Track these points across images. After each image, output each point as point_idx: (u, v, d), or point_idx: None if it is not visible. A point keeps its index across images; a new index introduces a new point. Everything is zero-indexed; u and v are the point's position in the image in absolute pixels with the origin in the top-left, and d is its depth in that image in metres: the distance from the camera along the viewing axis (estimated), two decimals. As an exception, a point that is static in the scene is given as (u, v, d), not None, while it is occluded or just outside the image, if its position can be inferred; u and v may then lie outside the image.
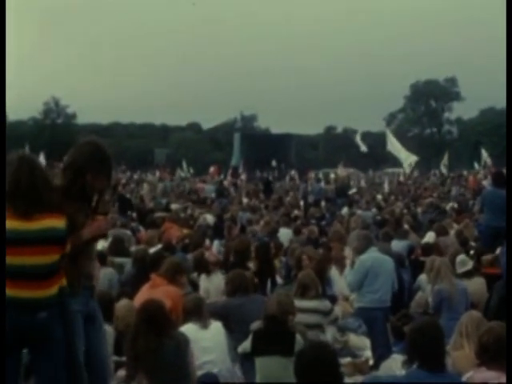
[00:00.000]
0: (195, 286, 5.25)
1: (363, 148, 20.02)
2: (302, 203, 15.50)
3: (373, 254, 4.92)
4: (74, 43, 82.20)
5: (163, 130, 73.39)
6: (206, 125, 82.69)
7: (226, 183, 22.23)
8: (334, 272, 5.69)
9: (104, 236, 2.73)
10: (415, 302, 5.38)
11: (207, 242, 7.75)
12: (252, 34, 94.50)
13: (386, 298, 4.81)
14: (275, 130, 79.90)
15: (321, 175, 18.51)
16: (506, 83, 4.88)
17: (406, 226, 8.52)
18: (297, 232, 8.54)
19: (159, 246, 6.42)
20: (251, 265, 5.60)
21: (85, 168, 2.44)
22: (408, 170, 18.65)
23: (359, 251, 4.96)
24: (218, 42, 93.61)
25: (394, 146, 17.25)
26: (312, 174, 26.76)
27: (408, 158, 17.62)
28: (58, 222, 2.23)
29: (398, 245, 7.12)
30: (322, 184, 17.36)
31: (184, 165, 34.60)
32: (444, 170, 25.16)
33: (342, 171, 25.01)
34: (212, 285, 5.04)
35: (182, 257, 6.17)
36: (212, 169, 30.69)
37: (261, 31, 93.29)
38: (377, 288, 4.76)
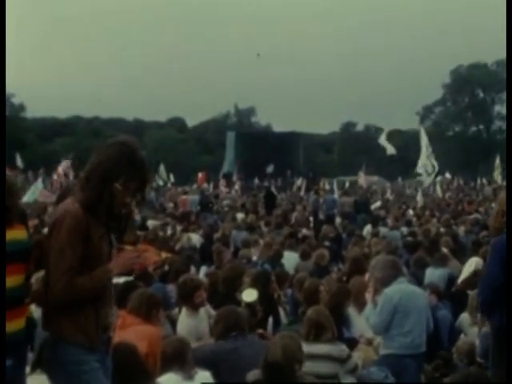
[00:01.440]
0: (176, 326, 5.24)
1: (390, 150, 19.96)
2: (311, 220, 15.54)
3: (401, 287, 4.89)
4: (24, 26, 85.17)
5: (136, 127, 73.52)
6: (192, 121, 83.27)
7: (211, 193, 22.32)
8: (351, 310, 5.60)
9: (132, 273, 2.66)
10: (457, 347, 5.26)
11: (192, 268, 7.79)
12: (249, 13, 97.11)
13: (419, 342, 4.73)
14: (278, 127, 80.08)
15: (335, 185, 18.58)
16: (506, 84, 5.32)
17: (444, 250, 8.51)
18: (305, 256, 8.54)
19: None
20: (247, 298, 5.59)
21: (114, 175, 2.38)
22: (427, 183, 17.90)
23: (384, 283, 4.91)
24: (207, 22, 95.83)
25: (423, 149, 16.82)
26: (325, 184, 26.93)
27: (428, 168, 16.83)
28: (19, 233, 2.26)
29: (434, 274, 7.10)
30: (336, 195, 17.41)
31: (162, 171, 34.68)
32: (498, 178, 24.29)
33: (362, 180, 25.12)
34: (199, 323, 5.02)
35: (161, 288, 6.18)
36: (199, 176, 30.80)
37: (260, 9, 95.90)
38: (407, 330, 4.71)
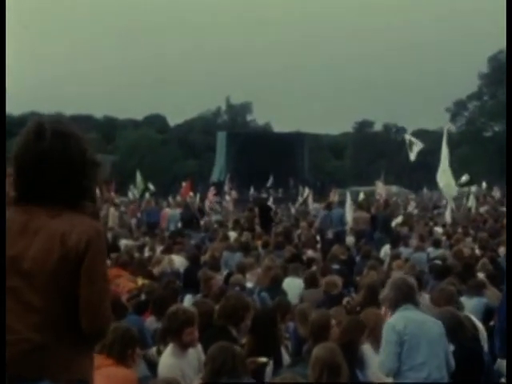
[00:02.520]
0: (154, 367, 5.24)
1: (414, 154, 19.99)
2: (319, 239, 15.58)
3: (406, 314, 4.91)
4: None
5: (107, 126, 73.55)
6: (175, 119, 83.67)
7: (197, 206, 22.39)
8: (366, 347, 5.46)
9: None
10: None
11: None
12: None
13: (438, 377, 4.65)
14: (279, 126, 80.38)
15: (348, 196, 18.62)
16: (506, 84, 5.35)
17: (480, 276, 8.52)
18: (311, 283, 8.58)
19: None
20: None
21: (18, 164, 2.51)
22: (450, 202, 17.56)
23: (392, 305, 5.01)
24: (194, 3, 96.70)
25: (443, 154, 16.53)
26: (336, 195, 26.92)
27: (446, 181, 16.53)
28: None
29: (468, 304, 7.10)
30: (348, 209, 17.46)
31: (139, 179, 34.70)
32: None
33: (381, 190, 25.15)
34: (186, 365, 5.01)
35: (137, 322, 6.21)
36: (183, 186, 30.76)
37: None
38: (420, 362, 4.67)
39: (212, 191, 23.04)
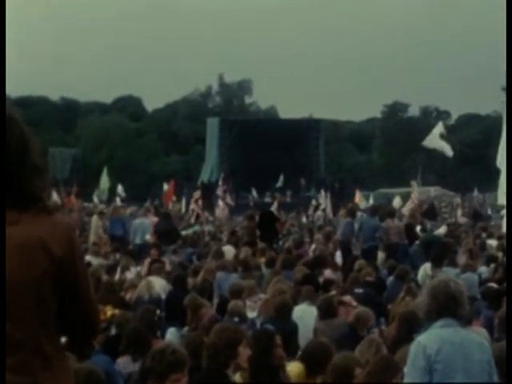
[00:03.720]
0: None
1: (447, 151, 20.12)
2: (339, 255, 15.60)
3: (442, 333, 4.88)
4: None
5: (66, 112, 73.37)
6: (153, 102, 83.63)
7: (178, 214, 22.40)
8: None
9: None
10: None
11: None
12: None
13: None
14: (287, 111, 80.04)
15: (371, 200, 18.68)
16: (506, 83, 5.48)
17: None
18: (329, 313, 8.60)
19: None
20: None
21: None
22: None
23: (428, 319, 4.98)
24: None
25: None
26: (360, 199, 27.06)
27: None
28: None
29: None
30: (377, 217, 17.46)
31: (104, 179, 34.77)
32: None
33: (417, 192, 25.11)
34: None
35: (105, 363, 6.22)
36: (166, 189, 30.81)
37: None
38: None
39: (197, 195, 22.76)
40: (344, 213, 18.98)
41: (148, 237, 18.03)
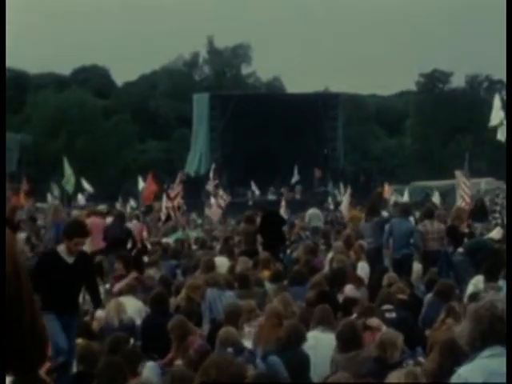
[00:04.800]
0: None
1: (503, 132, 20.18)
2: (363, 267, 15.60)
3: (489, 363, 4.85)
4: None
5: (11, 85, 72.92)
6: (124, 74, 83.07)
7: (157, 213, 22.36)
8: None
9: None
10: None
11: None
12: None
13: None
14: (295, 84, 79.61)
15: (407, 195, 18.66)
16: (506, 83, 5.61)
17: None
18: (351, 342, 8.56)
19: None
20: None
21: None
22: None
23: (471, 348, 4.99)
24: None
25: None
26: (391, 195, 27.01)
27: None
28: None
29: None
30: (413, 219, 17.45)
31: (68, 172, 34.75)
32: None
33: (464, 185, 25.09)
34: None
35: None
36: (142, 184, 30.74)
37: None
38: None
39: (175, 190, 22.60)
40: (366, 212, 18.89)
41: (129, 246, 18.11)
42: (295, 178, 43.66)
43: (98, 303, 10.27)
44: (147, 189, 29.14)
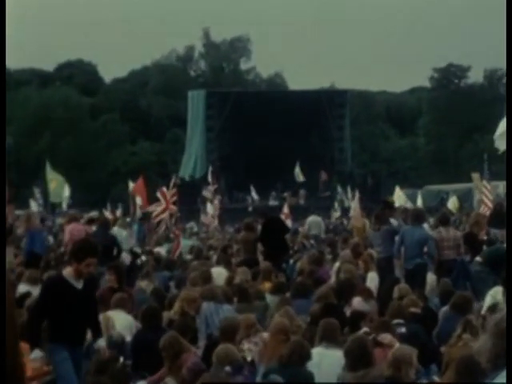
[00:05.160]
0: None
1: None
2: (373, 278, 15.60)
3: None
4: None
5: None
6: (113, 70, 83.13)
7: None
8: None
9: None
10: None
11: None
12: None
13: None
14: (298, 80, 79.34)
15: (420, 201, 18.62)
16: (506, 82, 5.74)
17: None
18: (361, 360, 8.45)
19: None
20: None
21: None
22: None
23: (493, 366, 4.97)
24: None
25: None
26: (401, 199, 26.88)
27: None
28: None
29: None
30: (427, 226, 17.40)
31: (50, 178, 34.79)
32: None
33: (482, 189, 25.08)
34: None
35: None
36: (132, 188, 30.67)
37: None
38: None
39: (168, 195, 22.54)
40: (375, 218, 18.85)
41: (125, 255, 18.21)
42: (298, 177, 43.34)
43: (98, 333, 9.75)
44: (140, 193, 29.04)
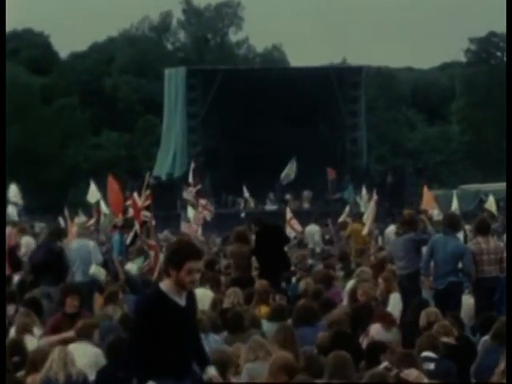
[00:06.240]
0: None
1: None
2: (395, 300, 15.62)
3: None
4: None
5: None
6: (69, 43, 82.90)
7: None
8: None
9: None
10: None
11: None
12: None
13: None
14: (300, 56, 79.88)
15: (456, 203, 18.56)
16: (506, 82, 5.95)
17: None
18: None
19: None
20: None
21: None
22: None
23: None
24: None
25: None
26: (431, 201, 26.84)
27: None
28: None
29: None
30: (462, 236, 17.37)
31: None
32: None
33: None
34: None
35: None
36: (95, 192, 30.73)
37: None
38: None
39: (142, 197, 22.54)
40: (398, 225, 18.85)
41: (94, 269, 18.34)
42: (288, 174, 42.96)
43: (207, 360, 8.99)
44: (113, 196, 29.05)
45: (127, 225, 22.79)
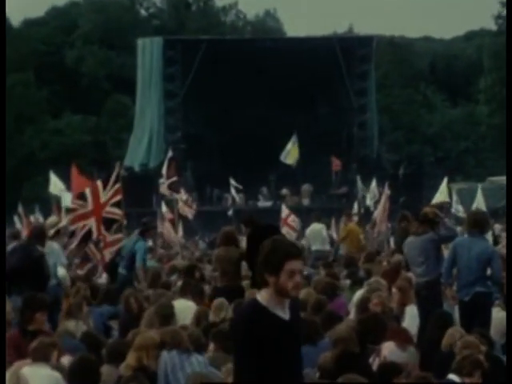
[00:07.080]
0: None
1: None
2: (412, 314, 15.68)
3: None
4: None
5: None
6: (26, 8, 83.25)
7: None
8: None
9: None
10: None
11: None
12: None
13: None
14: (299, 25, 79.73)
15: (480, 198, 18.52)
16: (506, 82, 6.07)
17: None
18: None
19: None
20: None
21: None
22: None
23: None
24: None
25: None
26: (444, 195, 27.09)
27: None
28: None
29: None
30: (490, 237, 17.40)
31: None
32: None
33: None
34: None
35: None
36: (57, 183, 30.89)
37: None
38: None
39: (110, 191, 22.51)
40: (417, 227, 18.85)
41: (61, 271, 18.44)
42: (286, 159, 42.46)
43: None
44: (79, 190, 29.03)
45: (148, 228, 22.88)
